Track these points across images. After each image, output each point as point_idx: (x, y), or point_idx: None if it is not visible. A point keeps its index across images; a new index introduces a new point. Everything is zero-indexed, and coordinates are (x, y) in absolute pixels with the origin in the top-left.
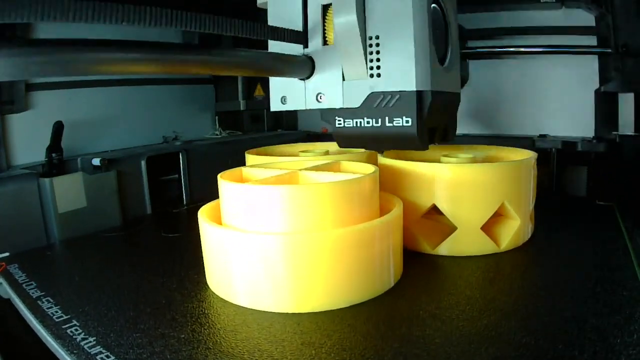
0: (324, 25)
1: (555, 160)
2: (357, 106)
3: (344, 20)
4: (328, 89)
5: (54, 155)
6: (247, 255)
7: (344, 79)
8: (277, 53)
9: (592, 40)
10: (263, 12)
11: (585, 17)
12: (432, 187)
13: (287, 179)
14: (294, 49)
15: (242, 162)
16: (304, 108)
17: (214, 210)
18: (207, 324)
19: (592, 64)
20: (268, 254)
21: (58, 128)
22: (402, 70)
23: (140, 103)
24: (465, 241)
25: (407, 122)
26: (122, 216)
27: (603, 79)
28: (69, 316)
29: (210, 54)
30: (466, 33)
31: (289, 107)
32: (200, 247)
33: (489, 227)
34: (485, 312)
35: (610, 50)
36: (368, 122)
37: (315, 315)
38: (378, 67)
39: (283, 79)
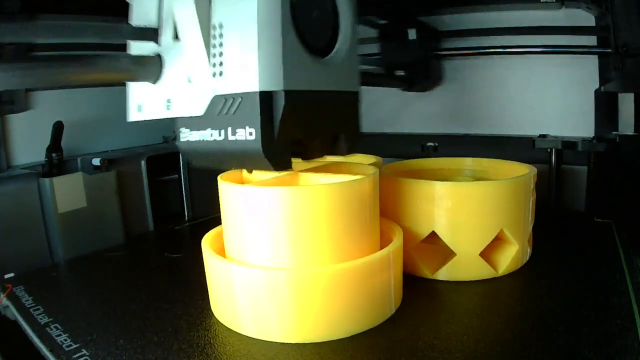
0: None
1: (554, 161)
2: (201, 114)
3: (181, 2)
4: (175, 93)
5: (54, 155)
6: (251, 288)
7: (190, 80)
8: (112, 54)
9: (592, 40)
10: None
11: (585, 17)
12: (431, 209)
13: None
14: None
15: None
16: (159, 117)
17: (217, 238)
18: (214, 355)
19: (592, 64)
20: (273, 288)
21: (58, 128)
22: (244, 65)
23: None
24: (464, 267)
25: (250, 133)
26: (122, 216)
27: (603, 79)
28: (78, 345)
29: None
30: (461, 33)
31: (145, 116)
32: (203, 269)
33: (487, 252)
34: (482, 342)
35: (610, 50)
36: (211, 135)
37: (317, 346)
38: (221, 64)
39: (143, 83)
